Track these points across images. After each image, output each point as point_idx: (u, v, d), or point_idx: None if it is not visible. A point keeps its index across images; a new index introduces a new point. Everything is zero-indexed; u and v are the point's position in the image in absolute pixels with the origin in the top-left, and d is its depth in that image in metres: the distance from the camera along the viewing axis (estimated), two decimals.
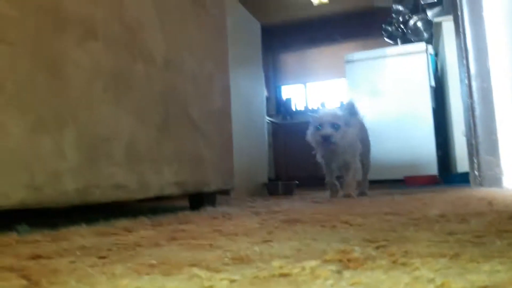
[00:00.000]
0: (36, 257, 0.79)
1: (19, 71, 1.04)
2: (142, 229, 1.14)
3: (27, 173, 1.05)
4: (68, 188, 1.15)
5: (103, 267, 0.66)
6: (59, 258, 0.77)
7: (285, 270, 0.55)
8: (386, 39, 5.54)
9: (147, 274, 0.58)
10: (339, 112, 2.41)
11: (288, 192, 3.35)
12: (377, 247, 0.69)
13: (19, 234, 1.05)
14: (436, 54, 4.90)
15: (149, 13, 1.56)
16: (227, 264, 0.62)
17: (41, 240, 0.99)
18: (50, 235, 1.04)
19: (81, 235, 1.05)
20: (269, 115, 5.79)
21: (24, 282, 0.59)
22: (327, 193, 2.62)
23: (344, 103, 2.72)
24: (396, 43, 5.45)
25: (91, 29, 1.27)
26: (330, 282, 0.48)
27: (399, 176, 4.31)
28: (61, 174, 1.13)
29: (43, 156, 1.09)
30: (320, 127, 2.33)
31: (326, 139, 2.29)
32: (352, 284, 0.46)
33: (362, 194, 2.67)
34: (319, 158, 2.57)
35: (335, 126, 2.30)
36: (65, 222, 1.26)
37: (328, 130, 2.28)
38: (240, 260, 0.65)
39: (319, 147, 2.44)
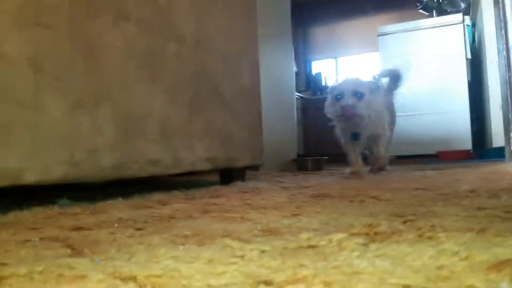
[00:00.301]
0: (77, 228, 0.84)
1: (58, 54, 1.09)
2: (176, 202, 1.19)
3: (67, 150, 1.11)
4: (105, 163, 1.20)
5: (141, 238, 0.71)
6: (99, 230, 0.82)
7: (312, 242, 0.58)
8: (421, 11, 5.34)
9: (182, 244, 0.62)
10: (363, 79, 2.07)
11: (317, 168, 3.36)
12: (405, 222, 0.70)
13: (60, 207, 1.11)
14: (473, 25, 4.71)
15: None
16: (257, 236, 0.65)
17: (81, 213, 1.05)
18: (89, 208, 1.10)
19: (118, 208, 1.11)
20: (298, 91, 5.75)
21: (68, 251, 0.64)
22: (347, 170, 2.26)
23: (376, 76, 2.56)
24: (431, 15, 5.26)
25: (124, 11, 1.30)
26: (356, 253, 0.50)
27: (432, 151, 4.23)
28: (99, 150, 1.19)
29: (82, 134, 1.14)
30: (340, 97, 2.00)
31: (347, 111, 1.97)
32: (378, 256, 0.48)
33: (380, 169, 2.41)
34: (338, 133, 2.27)
35: (358, 95, 1.96)
36: (102, 196, 1.32)
37: (349, 100, 1.95)
38: (270, 232, 0.67)
39: (339, 120, 2.12)
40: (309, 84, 6.70)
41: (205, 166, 1.65)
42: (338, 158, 5.43)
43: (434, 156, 4.18)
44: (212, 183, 1.87)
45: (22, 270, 0.50)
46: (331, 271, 0.42)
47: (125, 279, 0.45)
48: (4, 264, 0.56)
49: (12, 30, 0.99)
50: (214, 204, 1.14)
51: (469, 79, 4.36)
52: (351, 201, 1.06)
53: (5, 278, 0.48)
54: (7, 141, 0.98)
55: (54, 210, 1.06)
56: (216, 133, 1.74)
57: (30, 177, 1.03)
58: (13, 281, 0.47)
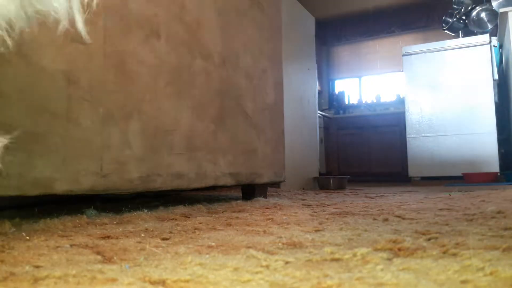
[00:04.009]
0: (105, 237, 0.87)
1: (91, 68, 1.13)
2: (199, 216, 1.21)
3: (96, 161, 1.14)
4: (132, 176, 1.24)
5: (167, 247, 0.73)
6: (126, 239, 0.84)
7: (336, 256, 0.58)
8: (446, 31, 5.32)
9: (208, 254, 0.64)
10: None
11: (339, 187, 3.34)
12: (429, 239, 0.70)
13: (88, 217, 1.15)
14: (501, 46, 4.65)
15: (209, 14, 1.63)
16: (281, 248, 0.66)
17: (108, 223, 1.08)
18: (115, 219, 1.13)
19: (144, 220, 1.13)
20: (321, 109, 5.75)
21: (99, 257, 0.67)
22: None
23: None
24: (457, 35, 5.22)
25: (155, 28, 1.35)
26: (380, 267, 0.50)
27: (458, 173, 4.16)
28: (127, 162, 1.22)
29: (111, 146, 1.18)
30: None
31: None
32: (402, 269, 0.49)
33: None
34: None
35: None
36: (128, 208, 1.35)
37: None
38: (293, 245, 0.68)
39: None
40: (332, 103, 6.69)
41: (228, 181, 1.67)
42: (361, 177, 5.37)
43: (460, 178, 4.10)
44: (234, 198, 1.89)
45: (57, 272, 0.53)
46: (355, 282, 0.43)
47: (154, 283, 0.47)
48: (38, 267, 0.58)
49: (50, 45, 1.04)
50: (237, 218, 1.15)
51: (496, 100, 4.29)
52: (374, 219, 1.06)
53: (41, 279, 0.50)
54: (40, 151, 1.02)
55: (82, 219, 1.09)
56: (240, 148, 1.76)
57: (61, 187, 1.06)
58: (49, 282, 0.49)
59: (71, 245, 0.77)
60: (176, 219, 1.14)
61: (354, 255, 0.58)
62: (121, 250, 0.71)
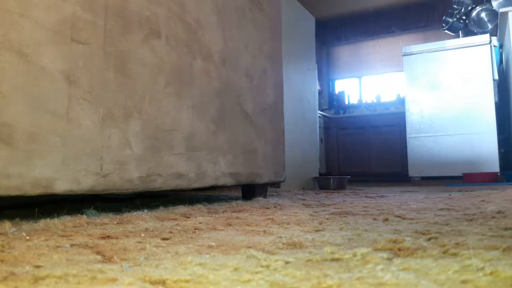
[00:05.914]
0: (106, 237, 0.87)
1: (91, 68, 1.14)
2: (199, 216, 1.21)
3: (96, 161, 1.14)
4: (132, 175, 1.24)
5: (167, 247, 0.73)
6: (127, 239, 0.84)
7: (336, 256, 0.58)
8: (446, 31, 5.32)
9: (208, 253, 0.64)
10: None
11: (339, 187, 3.34)
12: (429, 239, 0.70)
13: (88, 217, 1.15)
14: (501, 46, 4.65)
15: (209, 14, 1.64)
16: (281, 248, 0.66)
17: (108, 223, 1.08)
18: (116, 219, 1.13)
19: (144, 219, 1.13)
20: (321, 109, 5.76)
21: (99, 257, 0.66)
22: None
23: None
24: (457, 35, 5.22)
25: (155, 28, 1.35)
26: (380, 267, 0.50)
27: (458, 172, 4.16)
28: (127, 162, 1.22)
29: (111, 146, 1.18)
30: None
31: None
32: (402, 269, 0.49)
33: None
34: None
35: None
36: (128, 208, 1.35)
37: None
38: (293, 245, 0.68)
39: None
40: (332, 102, 6.69)
41: (228, 181, 1.67)
42: (361, 177, 5.37)
43: (460, 178, 4.10)
44: (234, 198, 1.89)
45: (57, 272, 0.53)
46: (355, 282, 0.43)
47: (154, 283, 0.47)
48: (39, 267, 0.58)
49: (50, 44, 1.04)
50: (237, 218, 1.15)
51: (496, 100, 4.30)
52: (374, 219, 1.06)
53: (41, 279, 0.50)
54: (41, 151, 1.02)
55: (82, 219, 1.09)
56: (240, 148, 1.76)
57: (61, 187, 1.06)
58: (50, 281, 0.49)
59: (71, 245, 0.77)
60: (176, 219, 1.14)
61: (354, 255, 0.58)
62: (121, 250, 0.71)
